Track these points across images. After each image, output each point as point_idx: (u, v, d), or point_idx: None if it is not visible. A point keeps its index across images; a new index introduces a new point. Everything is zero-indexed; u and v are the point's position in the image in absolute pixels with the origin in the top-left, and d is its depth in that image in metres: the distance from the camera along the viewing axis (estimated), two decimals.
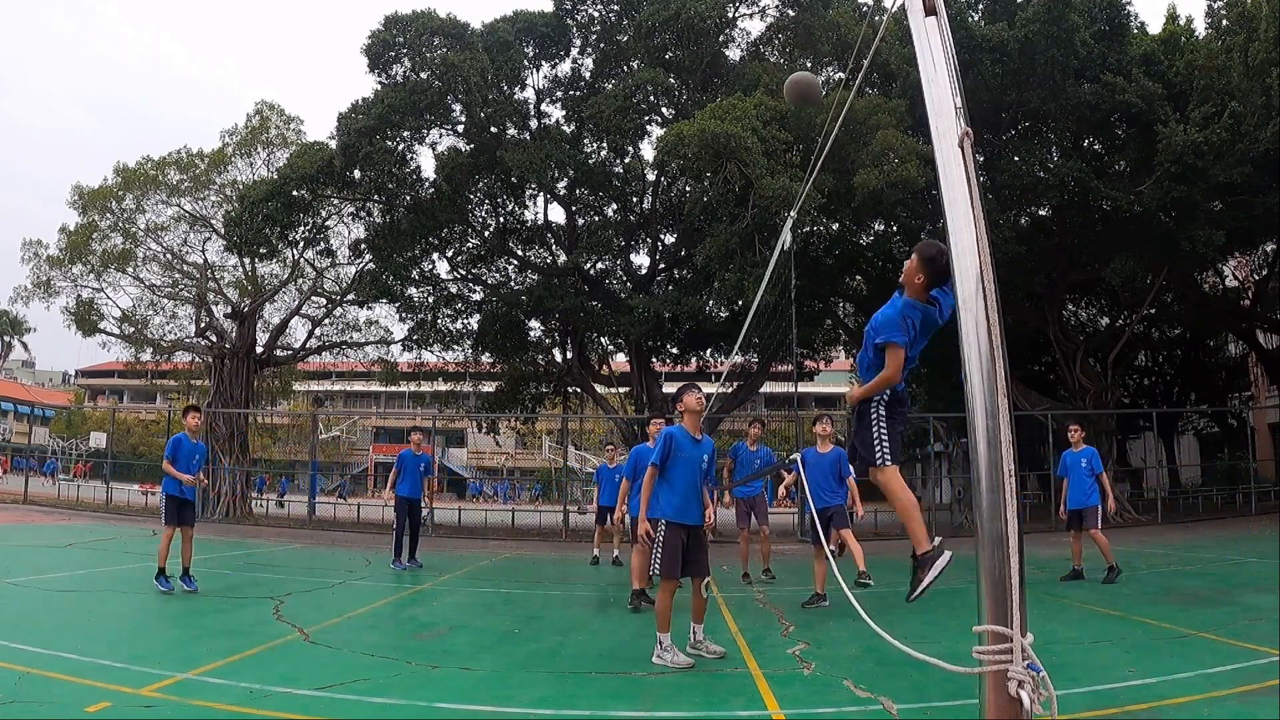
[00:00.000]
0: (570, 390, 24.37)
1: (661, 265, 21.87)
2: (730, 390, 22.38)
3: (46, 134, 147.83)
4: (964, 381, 1.85)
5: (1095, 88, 15.72)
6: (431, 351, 23.79)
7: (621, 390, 25.42)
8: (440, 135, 19.86)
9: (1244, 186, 15.43)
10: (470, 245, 22.19)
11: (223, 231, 21.63)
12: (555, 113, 20.97)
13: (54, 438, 49.99)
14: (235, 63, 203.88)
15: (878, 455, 3.92)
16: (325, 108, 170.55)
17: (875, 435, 3.95)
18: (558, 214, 22.04)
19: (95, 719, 3.91)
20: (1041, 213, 18.59)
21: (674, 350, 23.07)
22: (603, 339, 22.57)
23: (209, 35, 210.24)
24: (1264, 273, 22.80)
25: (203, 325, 22.77)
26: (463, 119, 18.88)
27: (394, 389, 31.66)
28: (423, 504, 11.41)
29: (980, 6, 17.31)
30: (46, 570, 9.41)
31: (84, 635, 5.75)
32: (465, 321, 22.68)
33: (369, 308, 24.46)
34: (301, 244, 21.47)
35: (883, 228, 19.42)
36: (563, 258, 21.77)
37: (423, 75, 17.53)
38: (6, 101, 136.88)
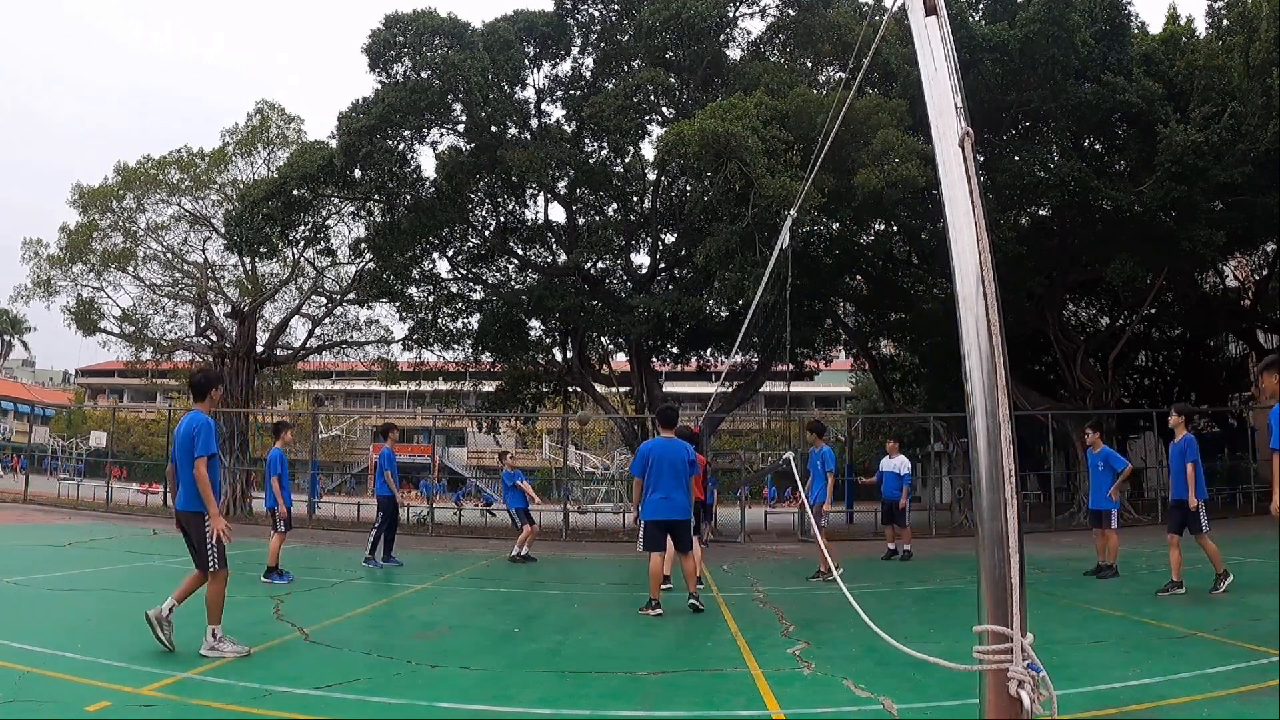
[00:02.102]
0: (570, 390, 24.38)
1: (662, 265, 21.87)
2: (730, 390, 22.39)
3: (56, 128, 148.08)
4: (964, 381, 1.85)
5: (1096, 87, 15.70)
6: (432, 351, 23.80)
7: (622, 390, 25.42)
8: (441, 135, 19.87)
9: (1244, 186, 15.41)
10: (470, 245, 22.19)
11: (223, 231, 21.63)
12: (556, 112, 20.99)
13: (54, 437, 49.99)
14: (233, 62, 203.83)
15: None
16: (326, 107, 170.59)
17: None
18: (558, 213, 22.06)
19: (95, 719, 3.91)
20: (1041, 213, 18.58)
21: (674, 350, 23.07)
22: (603, 339, 22.57)
23: (207, 34, 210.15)
24: (1264, 273, 22.79)
25: (203, 324, 22.79)
26: (463, 118, 18.87)
27: (394, 389, 31.65)
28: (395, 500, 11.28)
29: (981, 6, 17.30)
30: (46, 570, 9.42)
31: (84, 635, 5.75)
32: (465, 321, 22.69)
33: (369, 307, 24.49)
34: (302, 243, 21.48)
35: (883, 227, 19.42)
36: (563, 257, 21.77)
37: (423, 75, 17.52)
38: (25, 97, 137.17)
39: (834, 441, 15.09)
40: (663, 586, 7.65)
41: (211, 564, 5.27)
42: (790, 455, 7.09)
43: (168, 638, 5.18)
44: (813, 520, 8.99)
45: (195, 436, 5.31)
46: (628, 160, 20.26)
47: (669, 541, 7.40)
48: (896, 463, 12.23)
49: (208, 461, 5.29)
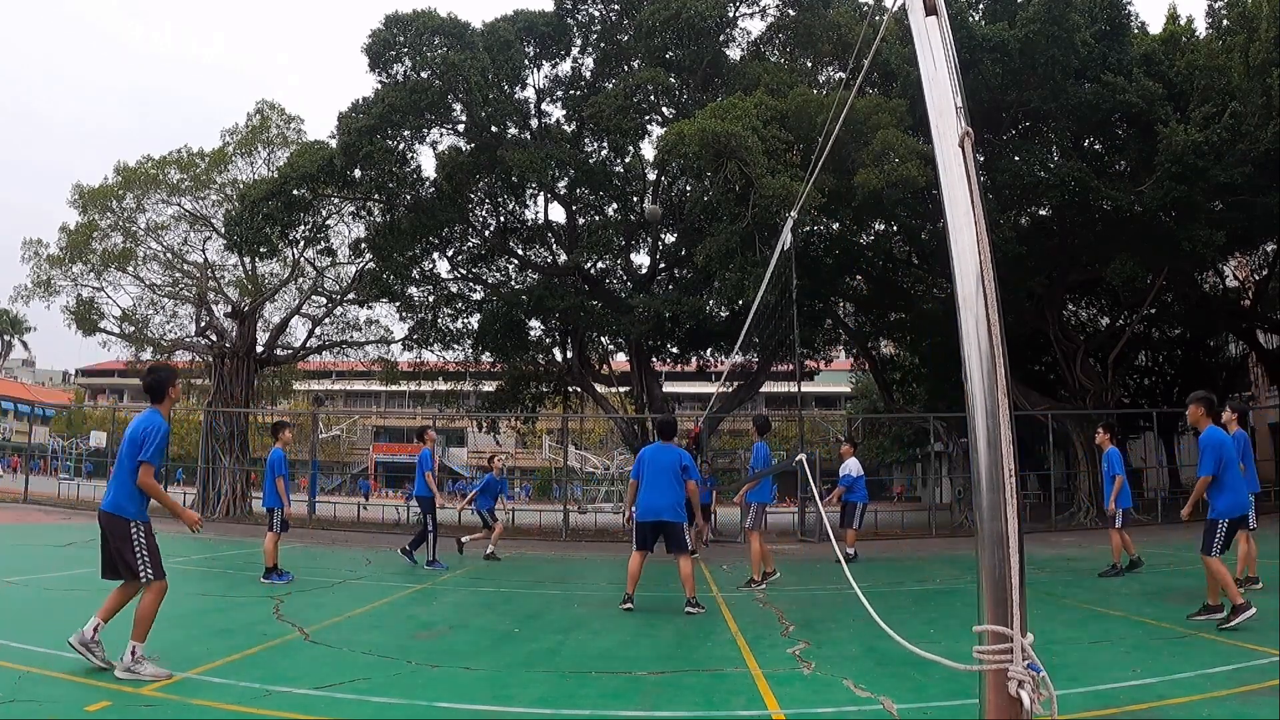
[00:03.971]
0: (570, 390, 24.38)
1: (662, 265, 21.87)
2: (730, 390, 22.39)
3: (59, 127, 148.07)
4: (964, 381, 1.85)
5: (1095, 87, 15.70)
6: (431, 351, 23.80)
7: (622, 390, 25.41)
8: (441, 135, 19.86)
9: (1244, 186, 15.41)
10: (470, 245, 22.19)
11: (223, 231, 21.63)
12: (556, 112, 20.99)
13: (54, 437, 49.98)
14: (233, 62, 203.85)
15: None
16: (326, 107, 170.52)
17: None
18: (558, 213, 22.06)
19: (95, 719, 3.91)
20: (1041, 213, 18.57)
21: (674, 350, 23.08)
22: (603, 339, 22.57)
23: (207, 34, 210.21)
24: (1264, 273, 22.78)
25: (203, 324, 22.78)
26: (463, 118, 18.87)
27: (394, 389, 31.65)
28: (435, 502, 11.39)
29: (980, 6, 17.29)
30: (46, 570, 9.42)
31: None
32: (465, 321, 22.69)
33: (369, 307, 24.48)
34: (302, 243, 21.47)
35: (883, 228, 19.42)
36: (563, 257, 21.77)
37: (423, 74, 17.52)
38: (28, 96, 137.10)
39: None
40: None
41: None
42: (802, 456, 7.08)
43: (101, 659, 4.73)
44: (748, 519, 9.15)
45: (144, 440, 4.80)
46: (628, 160, 20.25)
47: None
48: (845, 465, 12.57)
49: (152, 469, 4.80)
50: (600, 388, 24.23)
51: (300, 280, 23.95)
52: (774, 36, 20.57)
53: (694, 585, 7.41)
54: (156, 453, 4.83)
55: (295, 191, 18.73)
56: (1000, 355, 1.82)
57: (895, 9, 2.23)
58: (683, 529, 7.53)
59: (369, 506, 26.71)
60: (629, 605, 7.30)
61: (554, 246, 22.43)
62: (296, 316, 24.42)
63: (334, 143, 18.67)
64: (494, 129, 18.67)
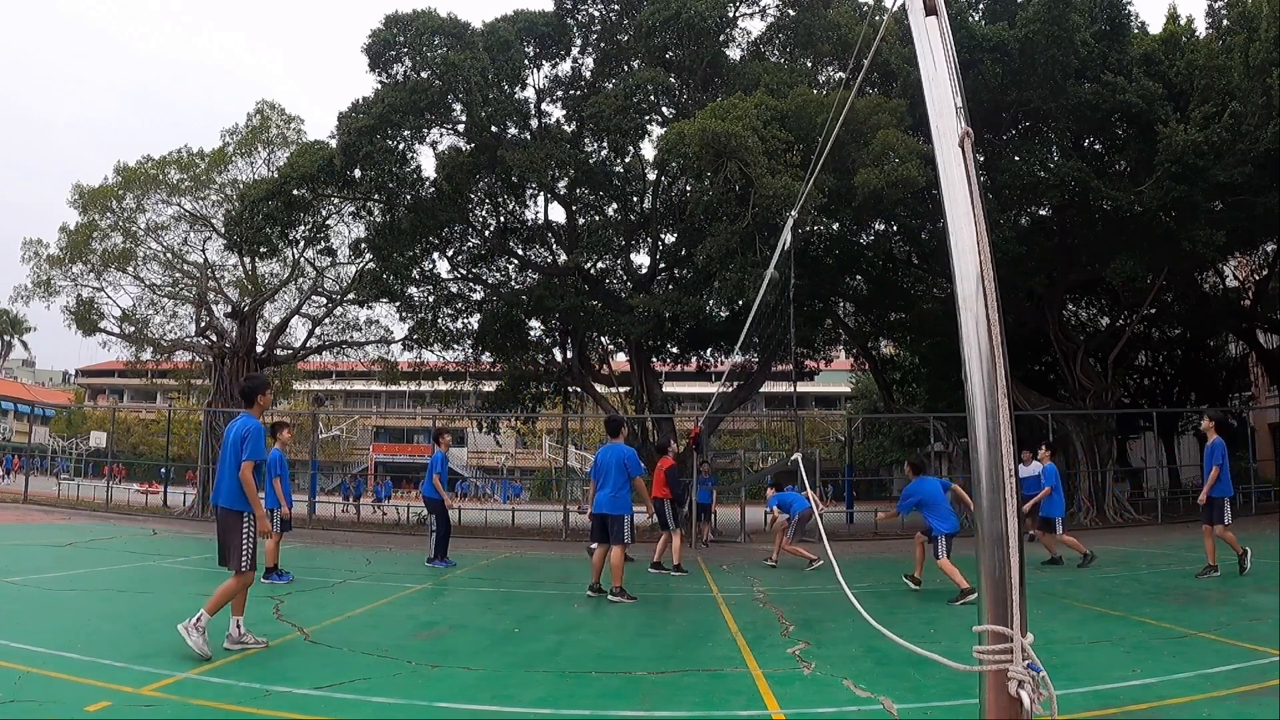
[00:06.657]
0: (570, 390, 24.38)
1: (662, 265, 21.87)
2: (730, 390, 22.38)
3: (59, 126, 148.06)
4: (964, 381, 1.85)
5: (1095, 87, 15.70)
6: (432, 351, 23.79)
7: (622, 390, 25.42)
8: (441, 135, 19.86)
9: (1244, 186, 15.40)
10: (470, 245, 22.19)
11: (223, 231, 21.62)
12: (556, 112, 20.98)
13: (54, 437, 49.99)
14: (233, 63, 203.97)
15: None
16: (326, 107, 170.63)
17: None
18: (558, 213, 22.06)
19: (95, 719, 3.91)
20: (1041, 213, 18.57)
21: (674, 350, 23.07)
22: (603, 339, 22.56)
23: (207, 35, 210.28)
24: (1264, 273, 22.79)
25: (203, 324, 22.76)
26: (463, 118, 18.86)
27: (394, 389, 31.64)
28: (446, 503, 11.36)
29: (980, 6, 17.29)
30: (46, 570, 9.42)
31: (84, 635, 5.75)
32: (465, 321, 22.68)
33: (369, 307, 24.47)
34: (302, 243, 21.46)
35: (883, 227, 19.42)
36: (563, 257, 21.77)
37: (423, 75, 17.52)
38: (26, 94, 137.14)
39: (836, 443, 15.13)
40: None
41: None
42: (798, 456, 7.08)
43: (253, 641, 5.59)
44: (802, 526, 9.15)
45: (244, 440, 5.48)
46: (628, 160, 20.24)
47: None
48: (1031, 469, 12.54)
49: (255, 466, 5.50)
50: (600, 388, 24.23)
51: (300, 280, 23.95)
52: (774, 36, 20.58)
53: (620, 576, 7.93)
54: (255, 450, 5.45)
55: (295, 191, 18.72)
56: (1000, 355, 1.82)
57: (895, 9, 2.23)
58: (620, 521, 7.93)
59: (358, 507, 26.60)
60: (591, 594, 8.05)
61: (554, 246, 22.43)
62: (296, 316, 24.42)
63: (334, 143, 18.66)
64: (494, 129, 18.67)
